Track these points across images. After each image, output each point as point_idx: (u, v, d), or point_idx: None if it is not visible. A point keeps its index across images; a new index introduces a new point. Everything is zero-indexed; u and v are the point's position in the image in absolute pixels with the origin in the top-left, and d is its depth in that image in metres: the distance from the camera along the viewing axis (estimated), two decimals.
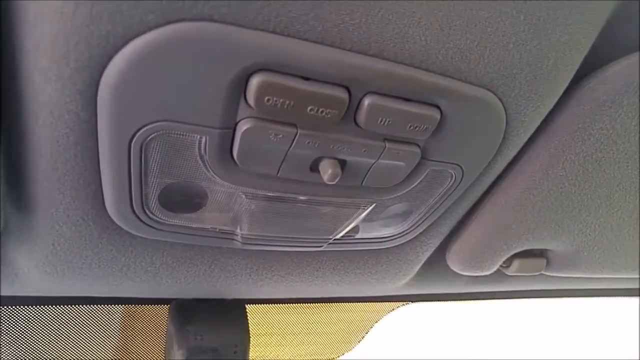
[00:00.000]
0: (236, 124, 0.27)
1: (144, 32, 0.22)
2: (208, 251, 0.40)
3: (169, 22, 0.22)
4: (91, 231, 0.34)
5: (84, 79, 0.24)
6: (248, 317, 0.57)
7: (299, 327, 0.82)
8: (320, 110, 0.26)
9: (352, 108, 0.27)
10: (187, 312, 0.54)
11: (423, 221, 0.42)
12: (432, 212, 0.41)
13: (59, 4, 0.21)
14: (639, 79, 0.33)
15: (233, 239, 0.37)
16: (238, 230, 0.36)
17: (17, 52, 0.24)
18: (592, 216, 0.45)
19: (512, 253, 0.49)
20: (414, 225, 0.42)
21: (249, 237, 0.37)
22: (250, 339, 0.56)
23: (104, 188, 0.30)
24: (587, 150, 0.37)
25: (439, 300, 0.75)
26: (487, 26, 0.27)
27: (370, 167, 0.32)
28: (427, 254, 0.49)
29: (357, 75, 0.26)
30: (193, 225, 0.35)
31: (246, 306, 0.58)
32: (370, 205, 0.37)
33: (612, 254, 0.52)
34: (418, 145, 0.31)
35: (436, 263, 0.52)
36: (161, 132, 0.27)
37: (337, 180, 0.29)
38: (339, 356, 0.90)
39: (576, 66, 0.32)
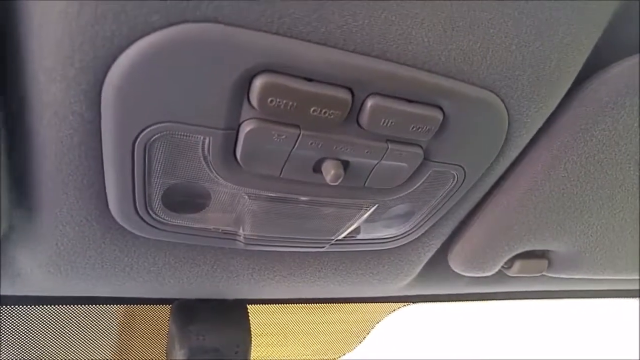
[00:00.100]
0: (239, 125, 0.27)
1: (148, 33, 0.22)
2: (210, 251, 0.40)
3: (173, 24, 0.22)
4: (94, 231, 0.34)
5: (89, 79, 0.24)
6: (250, 317, 0.57)
7: (300, 327, 0.82)
8: (323, 111, 0.26)
9: (355, 109, 0.28)
10: (189, 312, 0.54)
11: (425, 222, 0.42)
12: (434, 213, 0.41)
13: (64, 4, 0.21)
14: None
15: (235, 240, 0.37)
16: (240, 231, 0.36)
17: (22, 52, 0.24)
18: (594, 217, 0.45)
19: (513, 254, 0.49)
20: (416, 226, 0.42)
21: (252, 237, 0.37)
22: (252, 339, 0.56)
23: (107, 188, 0.30)
24: (589, 152, 0.37)
25: (440, 301, 0.75)
26: (489, 27, 0.27)
27: (373, 168, 0.32)
28: (429, 255, 0.49)
29: (360, 76, 0.26)
30: (196, 226, 0.35)
31: (248, 306, 0.58)
32: (373, 206, 0.37)
33: (613, 255, 0.51)
34: (420, 147, 0.31)
35: (438, 264, 0.52)
36: (165, 132, 0.27)
37: (339, 181, 0.29)
38: (340, 356, 0.90)
39: (578, 67, 0.32)
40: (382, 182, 0.34)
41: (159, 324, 0.70)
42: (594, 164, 0.39)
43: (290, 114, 0.26)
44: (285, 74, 0.25)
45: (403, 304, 0.79)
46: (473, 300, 0.77)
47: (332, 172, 0.29)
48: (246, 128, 0.27)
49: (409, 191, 0.36)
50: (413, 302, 0.77)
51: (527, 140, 0.36)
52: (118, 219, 0.33)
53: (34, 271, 0.37)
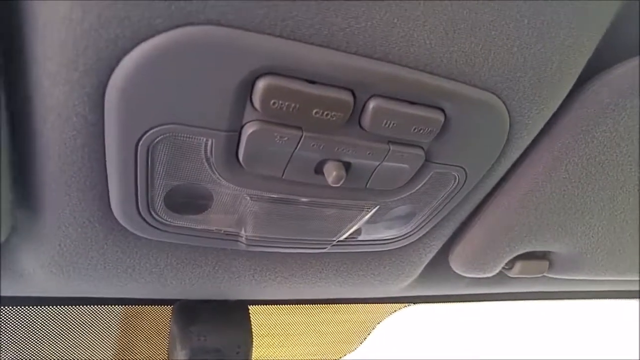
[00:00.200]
0: (242, 127, 0.27)
1: (152, 36, 0.22)
2: (212, 252, 0.40)
3: (176, 26, 0.22)
4: (97, 232, 0.34)
5: (92, 81, 0.24)
6: (251, 318, 0.58)
7: (301, 328, 0.82)
8: (326, 113, 0.26)
9: (357, 111, 0.28)
10: (191, 313, 0.54)
11: (426, 223, 0.42)
12: (436, 214, 0.41)
13: (68, 9, 0.21)
14: None
15: (237, 241, 0.37)
16: (242, 232, 0.37)
17: (26, 55, 0.24)
18: (595, 218, 0.45)
19: (514, 255, 0.49)
20: (417, 227, 0.43)
21: (254, 238, 0.37)
22: (253, 339, 0.56)
23: (110, 190, 0.30)
24: (590, 153, 0.38)
25: (441, 302, 0.75)
26: (491, 29, 0.27)
27: (375, 169, 0.32)
28: (430, 256, 0.49)
29: (362, 78, 0.26)
30: (198, 227, 0.35)
31: (249, 307, 0.58)
32: (374, 208, 0.37)
33: (614, 257, 0.52)
34: (422, 148, 0.31)
35: (439, 265, 0.52)
36: (168, 134, 0.27)
37: (341, 182, 0.30)
38: (341, 357, 0.91)
39: (580, 69, 0.32)
40: (384, 183, 0.34)
41: (160, 325, 0.70)
42: (595, 166, 0.39)
43: (292, 115, 0.26)
44: (287, 76, 0.25)
45: (404, 304, 0.79)
46: (474, 301, 0.77)
47: (334, 173, 0.29)
48: (249, 130, 0.27)
49: (410, 192, 0.36)
50: (414, 303, 0.77)
51: (528, 142, 0.36)
52: (120, 220, 0.33)
53: (36, 272, 0.37)
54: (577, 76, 0.32)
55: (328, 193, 0.34)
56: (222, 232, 0.36)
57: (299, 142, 0.28)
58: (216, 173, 0.30)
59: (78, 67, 0.23)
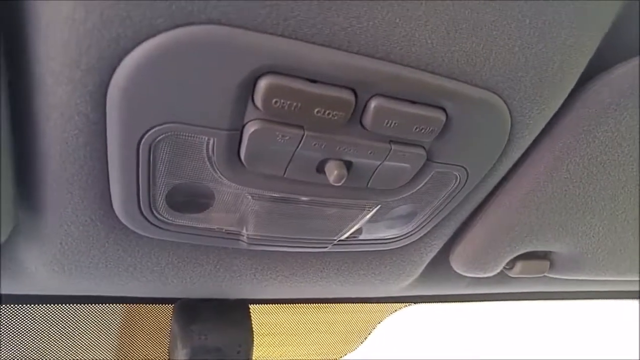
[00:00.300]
0: (244, 126, 0.27)
1: (154, 35, 0.23)
2: (214, 251, 0.40)
3: (178, 26, 0.22)
4: (98, 231, 0.34)
5: (94, 81, 0.24)
6: (252, 317, 0.58)
7: (302, 327, 0.82)
8: (327, 112, 0.26)
9: (359, 110, 0.28)
10: (192, 312, 0.54)
11: (427, 223, 0.42)
12: (437, 214, 0.41)
13: (71, 9, 0.22)
14: None
15: (239, 240, 0.37)
16: (244, 231, 0.37)
17: (29, 55, 0.25)
18: (596, 218, 0.45)
19: (515, 255, 0.49)
20: (418, 226, 0.43)
21: (255, 237, 0.37)
22: (254, 339, 0.56)
23: (111, 188, 0.31)
24: (591, 153, 0.38)
25: (442, 302, 0.75)
26: (492, 29, 0.27)
27: (376, 168, 0.32)
28: (431, 256, 0.49)
29: (364, 77, 0.26)
30: (199, 226, 0.35)
31: (250, 306, 0.58)
32: (375, 207, 0.37)
33: (616, 257, 0.52)
34: (423, 147, 0.31)
35: (440, 264, 0.52)
36: (169, 133, 0.27)
37: (342, 181, 0.30)
38: (341, 357, 0.91)
39: (581, 69, 0.32)
40: (385, 182, 0.34)
41: (161, 324, 0.70)
42: (596, 165, 0.39)
43: (294, 114, 0.26)
44: (289, 75, 0.25)
45: (405, 304, 0.79)
46: (474, 300, 0.77)
47: (335, 172, 0.29)
48: (250, 129, 0.27)
49: (411, 192, 0.36)
50: (415, 303, 0.77)
51: (529, 142, 0.36)
52: (122, 219, 0.33)
53: (38, 270, 0.37)
54: (578, 76, 0.32)
55: (329, 192, 0.34)
56: (224, 230, 0.36)
57: (300, 141, 0.28)
58: (218, 172, 0.30)
59: (80, 66, 0.23)
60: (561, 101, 0.33)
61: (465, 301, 0.77)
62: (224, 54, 0.23)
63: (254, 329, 0.57)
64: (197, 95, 0.25)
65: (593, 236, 0.48)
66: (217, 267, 0.41)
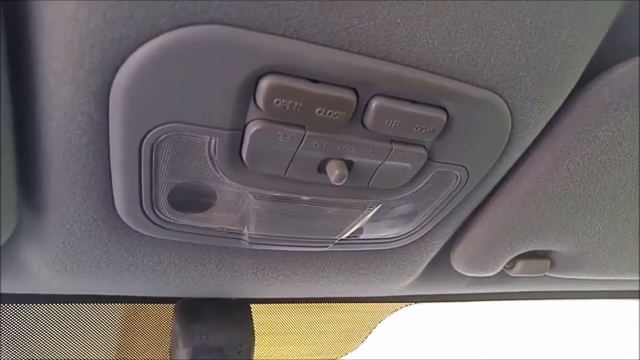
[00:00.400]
0: (245, 126, 0.27)
1: (156, 36, 0.23)
2: (215, 251, 0.40)
3: (180, 26, 0.23)
4: (101, 230, 0.34)
5: (97, 81, 0.24)
6: (253, 317, 0.58)
7: (303, 326, 0.82)
8: (329, 112, 0.27)
9: (360, 110, 0.28)
10: (193, 311, 0.54)
11: (428, 222, 0.42)
12: (437, 213, 0.41)
13: (74, 9, 0.22)
14: None
15: (240, 239, 0.38)
16: (245, 230, 0.37)
17: (32, 55, 0.25)
18: (596, 218, 0.45)
19: (516, 254, 0.49)
20: (419, 226, 0.43)
21: (256, 237, 0.37)
22: (255, 338, 0.56)
23: (114, 188, 0.31)
24: (592, 153, 0.38)
25: (442, 301, 0.76)
26: (493, 29, 0.27)
27: (377, 168, 0.32)
28: (432, 255, 0.49)
29: (365, 77, 0.26)
30: (201, 225, 0.35)
31: (251, 305, 0.58)
32: (376, 206, 0.37)
33: (616, 256, 0.52)
34: (424, 147, 0.32)
35: (440, 264, 0.52)
36: (172, 133, 0.27)
37: (344, 181, 0.30)
38: (342, 356, 0.91)
39: (582, 68, 0.32)
40: (386, 182, 0.34)
41: (162, 323, 0.71)
42: (596, 165, 0.39)
43: (295, 114, 0.26)
44: (291, 75, 0.25)
45: (405, 303, 0.79)
46: (475, 300, 0.77)
47: (337, 172, 0.30)
48: (252, 128, 0.27)
49: (412, 191, 0.36)
50: (415, 302, 0.77)
51: (530, 141, 0.36)
52: (124, 218, 0.33)
53: (40, 269, 0.38)
54: (579, 76, 0.32)
55: (330, 192, 0.34)
56: (225, 230, 0.37)
57: (301, 141, 0.28)
58: (219, 171, 0.30)
59: (84, 66, 0.23)
60: (562, 101, 0.33)
61: (466, 301, 0.77)
62: (226, 53, 0.24)
63: (255, 329, 0.57)
64: (200, 95, 0.25)
65: (593, 236, 0.48)
66: (219, 266, 0.41)
